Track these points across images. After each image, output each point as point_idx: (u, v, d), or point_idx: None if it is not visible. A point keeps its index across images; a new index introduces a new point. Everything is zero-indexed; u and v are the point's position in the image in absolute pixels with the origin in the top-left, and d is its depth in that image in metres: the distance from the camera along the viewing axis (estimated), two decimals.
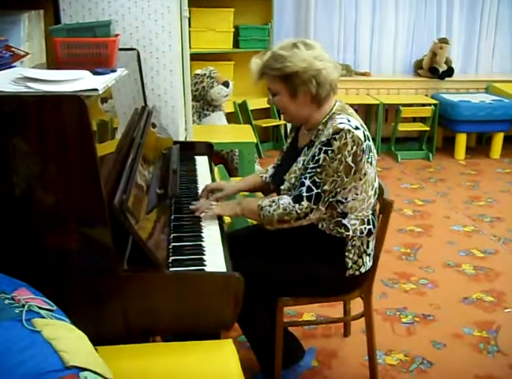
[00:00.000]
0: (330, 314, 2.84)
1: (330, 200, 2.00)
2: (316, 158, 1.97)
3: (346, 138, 1.94)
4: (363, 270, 2.14)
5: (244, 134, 4.16)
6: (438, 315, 2.94)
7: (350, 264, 2.11)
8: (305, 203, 1.97)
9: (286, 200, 2.01)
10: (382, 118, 5.93)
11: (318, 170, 1.96)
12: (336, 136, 1.94)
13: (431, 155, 5.90)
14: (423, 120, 5.98)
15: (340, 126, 1.95)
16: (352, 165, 1.97)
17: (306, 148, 2.10)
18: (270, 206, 2.02)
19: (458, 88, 6.30)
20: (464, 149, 5.94)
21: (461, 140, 5.90)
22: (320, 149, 1.97)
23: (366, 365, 2.41)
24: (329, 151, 1.95)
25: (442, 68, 6.13)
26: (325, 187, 1.96)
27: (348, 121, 1.98)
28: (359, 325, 2.60)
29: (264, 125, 5.88)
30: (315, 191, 1.96)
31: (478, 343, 2.69)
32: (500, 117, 5.72)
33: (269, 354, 2.19)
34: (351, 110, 2.09)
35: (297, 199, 1.99)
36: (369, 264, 2.17)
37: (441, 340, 2.71)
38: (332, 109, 2.07)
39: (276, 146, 6.11)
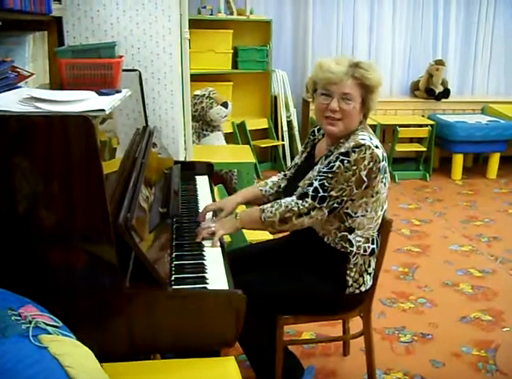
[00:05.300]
0: (329, 333, 2.85)
1: (335, 206, 2.02)
2: (331, 165, 2.02)
3: (365, 153, 1.99)
4: (363, 289, 2.16)
5: (243, 154, 4.18)
6: (437, 334, 2.95)
7: (350, 282, 2.12)
8: (309, 200, 2.01)
9: (289, 198, 2.06)
10: (380, 139, 5.93)
11: (330, 175, 2.00)
12: (356, 150, 1.99)
13: (428, 175, 5.94)
14: (420, 140, 6.03)
15: (362, 142, 2.00)
16: (365, 179, 2.01)
17: (323, 158, 2.14)
18: (272, 206, 2.06)
19: (455, 109, 6.36)
20: (460, 169, 5.98)
21: (458, 160, 5.94)
22: (337, 158, 2.02)
23: None
24: (345, 161, 1.99)
25: (439, 89, 6.20)
26: (332, 193, 2.00)
27: (370, 139, 2.04)
28: (358, 344, 2.61)
29: (262, 145, 5.91)
30: (321, 194, 2.00)
31: (477, 362, 2.70)
32: (496, 137, 5.78)
33: (269, 372, 2.19)
34: (371, 130, 2.14)
35: (301, 196, 2.03)
36: (369, 283, 2.19)
37: (440, 359, 2.72)
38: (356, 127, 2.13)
39: (274, 166, 6.13)
